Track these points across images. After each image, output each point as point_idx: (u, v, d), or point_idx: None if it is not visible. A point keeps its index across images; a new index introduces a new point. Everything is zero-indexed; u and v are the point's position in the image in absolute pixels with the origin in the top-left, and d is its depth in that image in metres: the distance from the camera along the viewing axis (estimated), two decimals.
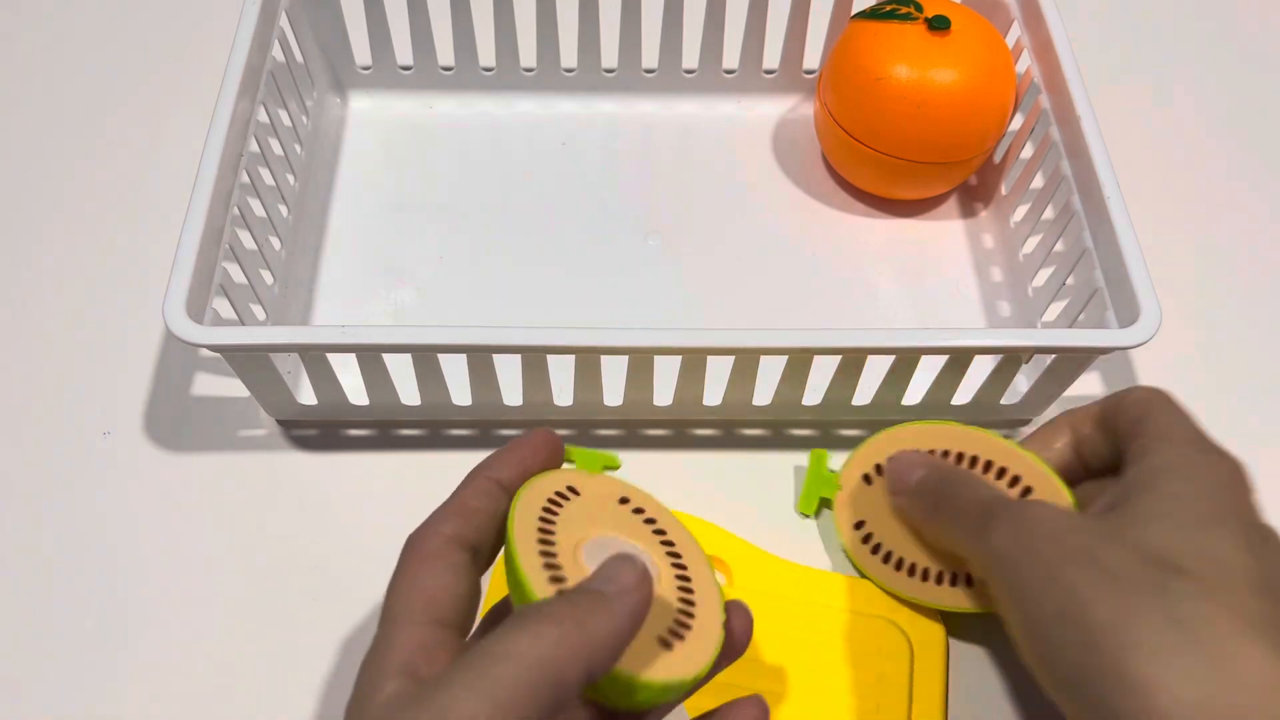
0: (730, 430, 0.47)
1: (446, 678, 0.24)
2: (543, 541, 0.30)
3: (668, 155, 0.56)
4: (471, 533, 0.29)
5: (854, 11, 0.54)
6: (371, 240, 0.52)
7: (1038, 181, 0.50)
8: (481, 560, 0.30)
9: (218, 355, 0.47)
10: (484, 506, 0.30)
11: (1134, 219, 0.42)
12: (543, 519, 0.30)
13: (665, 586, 0.31)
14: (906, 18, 0.48)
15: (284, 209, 0.50)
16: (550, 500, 0.31)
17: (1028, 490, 0.38)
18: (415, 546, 0.29)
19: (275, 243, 0.49)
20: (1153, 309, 0.40)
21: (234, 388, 0.47)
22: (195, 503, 0.44)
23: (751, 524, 0.43)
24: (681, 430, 0.47)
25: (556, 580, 0.28)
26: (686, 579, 0.31)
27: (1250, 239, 0.54)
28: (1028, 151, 0.51)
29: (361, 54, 0.56)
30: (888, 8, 0.49)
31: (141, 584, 0.42)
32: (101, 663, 0.40)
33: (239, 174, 0.44)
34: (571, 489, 0.32)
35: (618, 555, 0.28)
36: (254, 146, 0.46)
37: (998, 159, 0.54)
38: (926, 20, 0.48)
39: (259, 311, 0.46)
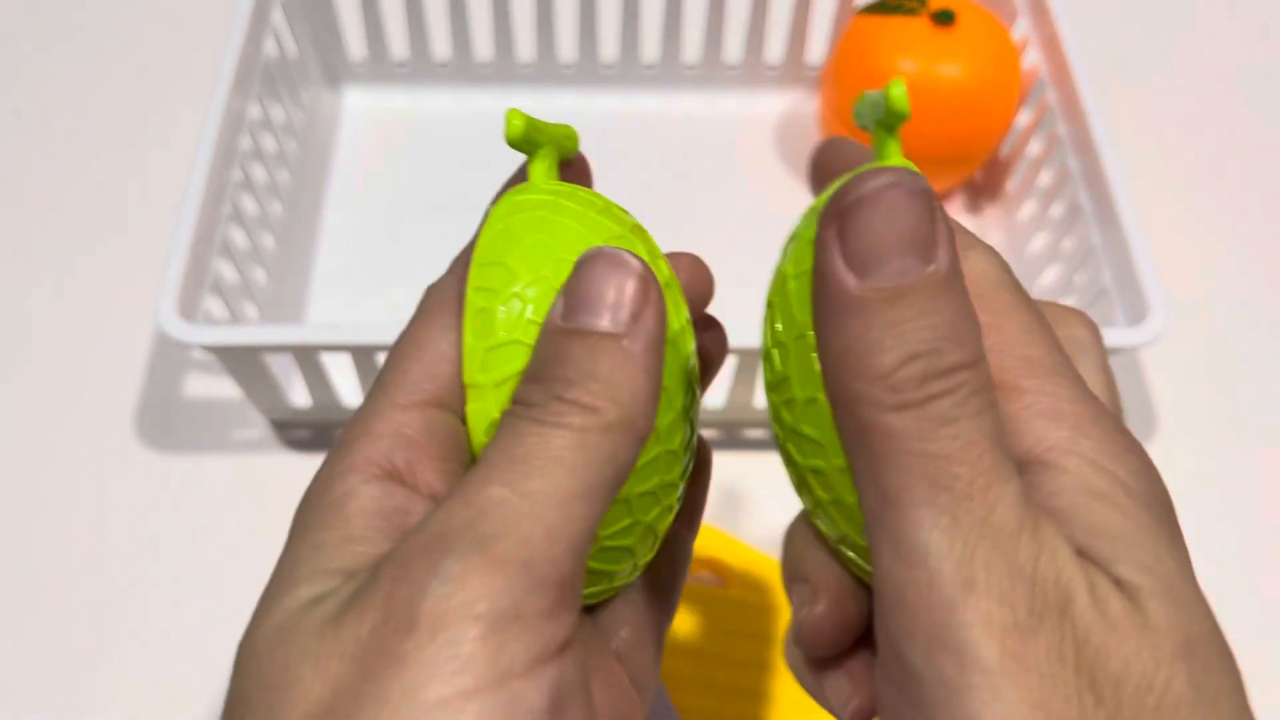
0: (732, 432, 0.46)
1: (474, 477, 0.17)
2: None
3: (668, 152, 0.56)
4: None
5: (857, 5, 0.53)
6: (366, 237, 0.51)
7: (1044, 178, 0.49)
8: None
9: (210, 354, 0.46)
10: None
11: (1142, 216, 0.42)
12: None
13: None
14: (911, 12, 0.48)
15: (278, 206, 0.49)
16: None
17: None
18: (433, 294, 0.21)
19: (269, 240, 0.48)
20: (1160, 307, 0.39)
21: (226, 388, 0.46)
22: (187, 504, 0.44)
23: (751, 525, 0.43)
24: None
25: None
26: None
27: (1260, 236, 0.53)
28: (1034, 148, 0.51)
29: (356, 49, 0.55)
30: (893, 2, 0.49)
31: (132, 585, 0.42)
32: (92, 663, 0.40)
33: (232, 170, 0.44)
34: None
35: (594, 257, 0.18)
36: (248, 142, 0.45)
37: (1004, 155, 0.53)
38: (931, 14, 0.47)
39: (252, 310, 0.45)
